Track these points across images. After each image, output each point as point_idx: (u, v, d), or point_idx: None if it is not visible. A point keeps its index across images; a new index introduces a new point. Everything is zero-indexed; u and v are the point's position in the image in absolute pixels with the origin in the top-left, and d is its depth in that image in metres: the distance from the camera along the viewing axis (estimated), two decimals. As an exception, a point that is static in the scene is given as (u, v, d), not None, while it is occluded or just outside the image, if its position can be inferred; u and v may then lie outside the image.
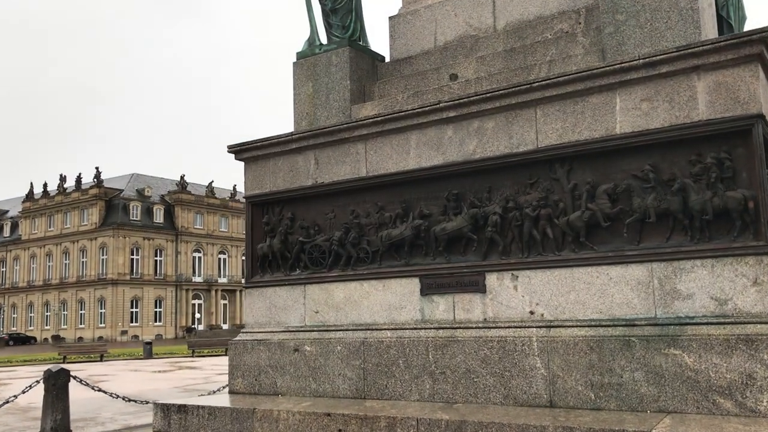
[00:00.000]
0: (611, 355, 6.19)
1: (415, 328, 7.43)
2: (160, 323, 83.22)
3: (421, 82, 8.60)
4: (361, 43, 9.28)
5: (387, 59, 9.55)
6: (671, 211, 6.21)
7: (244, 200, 9.09)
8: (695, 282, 6.04)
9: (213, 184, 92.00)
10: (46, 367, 11.19)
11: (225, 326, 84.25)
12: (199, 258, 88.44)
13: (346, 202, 8.25)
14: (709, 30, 7.17)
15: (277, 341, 8.34)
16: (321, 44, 9.27)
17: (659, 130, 6.29)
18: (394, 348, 7.42)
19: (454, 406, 6.80)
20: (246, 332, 8.80)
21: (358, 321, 7.91)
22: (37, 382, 9.93)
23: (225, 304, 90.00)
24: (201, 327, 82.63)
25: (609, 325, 6.34)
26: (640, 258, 6.29)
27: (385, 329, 7.63)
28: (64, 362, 32.10)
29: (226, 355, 36.32)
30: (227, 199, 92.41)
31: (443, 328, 7.25)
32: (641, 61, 6.31)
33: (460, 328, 7.15)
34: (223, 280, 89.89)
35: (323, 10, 9.35)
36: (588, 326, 6.44)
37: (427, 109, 7.51)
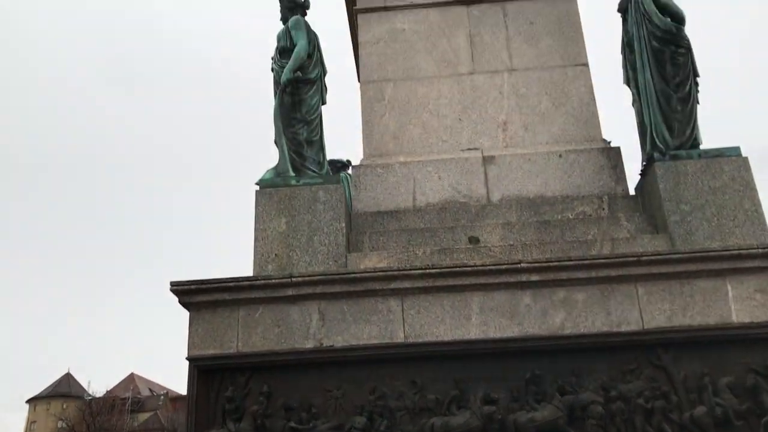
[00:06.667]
0: None
1: None
2: None
3: (430, 239, 7.25)
4: (336, 184, 7.67)
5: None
6: (807, 411, 5.78)
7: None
8: None
9: None
10: None
11: None
12: None
13: (364, 375, 6.14)
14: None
15: None
16: (296, 176, 7.41)
17: (779, 323, 6.03)
18: None
19: None
20: None
21: None
22: None
23: None
24: None
25: None
26: (783, 465, 5.62)
27: None
28: None
29: None
30: None
31: None
32: (760, 250, 6.14)
33: None
34: None
35: (294, 140, 7.60)
36: None
37: (503, 267, 6.21)
